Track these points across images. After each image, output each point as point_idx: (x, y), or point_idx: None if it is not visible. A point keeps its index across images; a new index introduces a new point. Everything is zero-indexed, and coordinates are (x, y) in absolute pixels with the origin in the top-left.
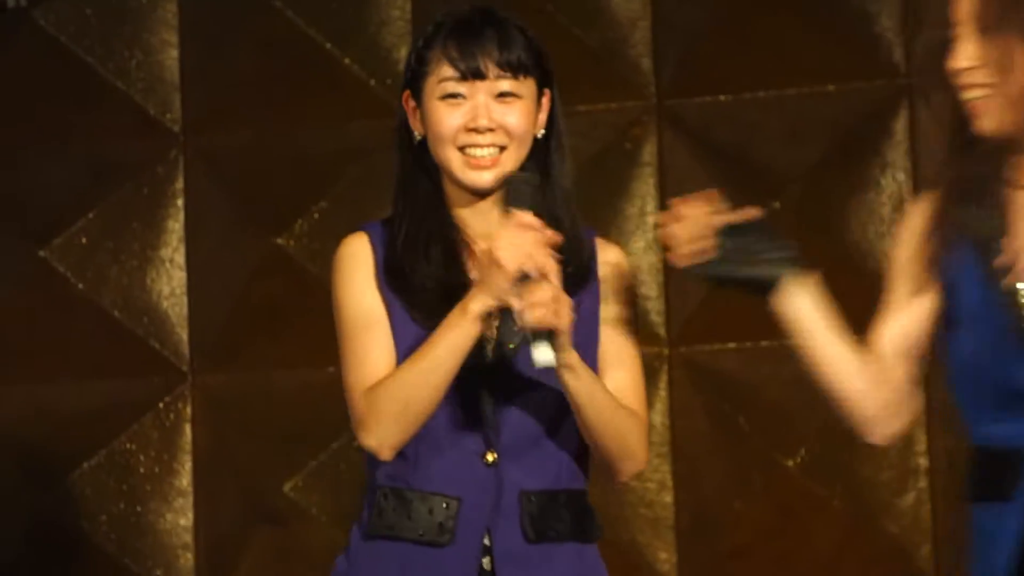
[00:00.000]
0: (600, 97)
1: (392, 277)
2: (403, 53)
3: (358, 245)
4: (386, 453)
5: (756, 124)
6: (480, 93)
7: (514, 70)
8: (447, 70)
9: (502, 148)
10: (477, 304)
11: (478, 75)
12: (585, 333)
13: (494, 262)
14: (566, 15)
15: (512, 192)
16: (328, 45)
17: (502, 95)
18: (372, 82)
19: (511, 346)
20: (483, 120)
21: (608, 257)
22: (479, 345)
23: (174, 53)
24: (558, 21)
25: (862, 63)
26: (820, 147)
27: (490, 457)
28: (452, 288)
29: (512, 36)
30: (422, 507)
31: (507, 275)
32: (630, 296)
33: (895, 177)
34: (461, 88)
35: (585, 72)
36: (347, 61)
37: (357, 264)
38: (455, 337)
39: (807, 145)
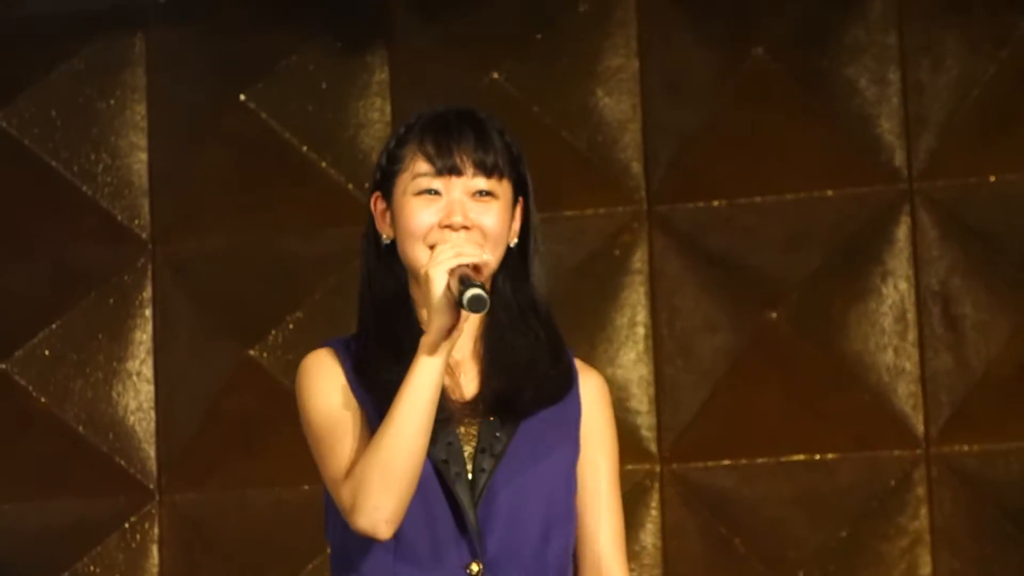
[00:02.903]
0: (588, 202)
1: (363, 376)
2: None
3: (323, 356)
4: (383, 529)
5: (751, 230)
6: (456, 190)
7: (492, 169)
8: (422, 165)
9: None
10: (430, 335)
11: (455, 171)
12: (559, 440)
13: (427, 281)
14: (552, 116)
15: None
16: (304, 148)
17: (479, 194)
18: (350, 186)
19: (477, 293)
20: (458, 217)
21: (591, 380)
22: (460, 454)
23: (143, 156)
24: (544, 122)
25: (862, 167)
26: (818, 254)
27: (475, 567)
28: None
29: (490, 135)
30: None
31: (442, 283)
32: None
33: (897, 286)
34: (437, 184)
35: (572, 176)
36: (324, 165)
37: (323, 373)
38: (419, 377)
39: (805, 252)
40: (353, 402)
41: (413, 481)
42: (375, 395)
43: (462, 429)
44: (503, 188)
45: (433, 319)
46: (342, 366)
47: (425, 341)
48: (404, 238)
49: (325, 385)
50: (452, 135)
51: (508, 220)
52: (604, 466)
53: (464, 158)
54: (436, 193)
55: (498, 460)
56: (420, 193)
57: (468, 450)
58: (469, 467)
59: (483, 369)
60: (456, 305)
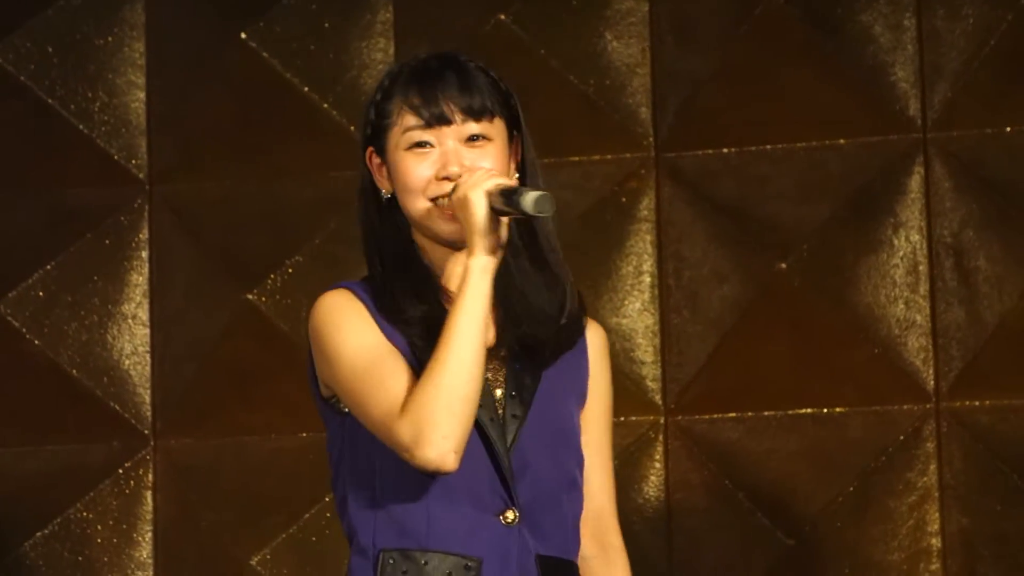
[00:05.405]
0: (594, 147)
1: (388, 315)
2: None
3: (345, 296)
4: (451, 460)
5: (761, 179)
6: (448, 139)
7: (480, 112)
8: (411, 119)
9: None
10: (479, 257)
11: (443, 120)
12: (571, 388)
13: (467, 204)
14: (559, 60)
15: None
16: (306, 89)
17: (472, 139)
18: (352, 128)
19: (542, 193)
20: (454, 167)
21: (597, 333)
22: (491, 399)
23: (141, 95)
24: (551, 66)
25: (875, 116)
26: (829, 205)
27: (510, 515)
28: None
29: (474, 77)
30: (439, 569)
31: (483, 203)
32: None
33: (909, 238)
34: (428, 136)
35: (579, 121)
36: (326, 106)
37: (351, 311)
38: (473, 300)
39: (815, 203)
40: (384, 339)
41: (475, 407)
42: (403, 332)
43: (489, 375)
44: (496, 128)
45: (477, 242)
46: (365, 305)
47: (474, 265)
48: (403, 194)
49: (357, 323)
50: (436, 84)
51: (506, 160)
52: (605, 421)
53: (451, 105)
54: (429, 145)
55: (528, 407)
56: (412, 147)
57: (498, 395)
58: (501, 412)
59: (500, 316)
60: (500, 215)
